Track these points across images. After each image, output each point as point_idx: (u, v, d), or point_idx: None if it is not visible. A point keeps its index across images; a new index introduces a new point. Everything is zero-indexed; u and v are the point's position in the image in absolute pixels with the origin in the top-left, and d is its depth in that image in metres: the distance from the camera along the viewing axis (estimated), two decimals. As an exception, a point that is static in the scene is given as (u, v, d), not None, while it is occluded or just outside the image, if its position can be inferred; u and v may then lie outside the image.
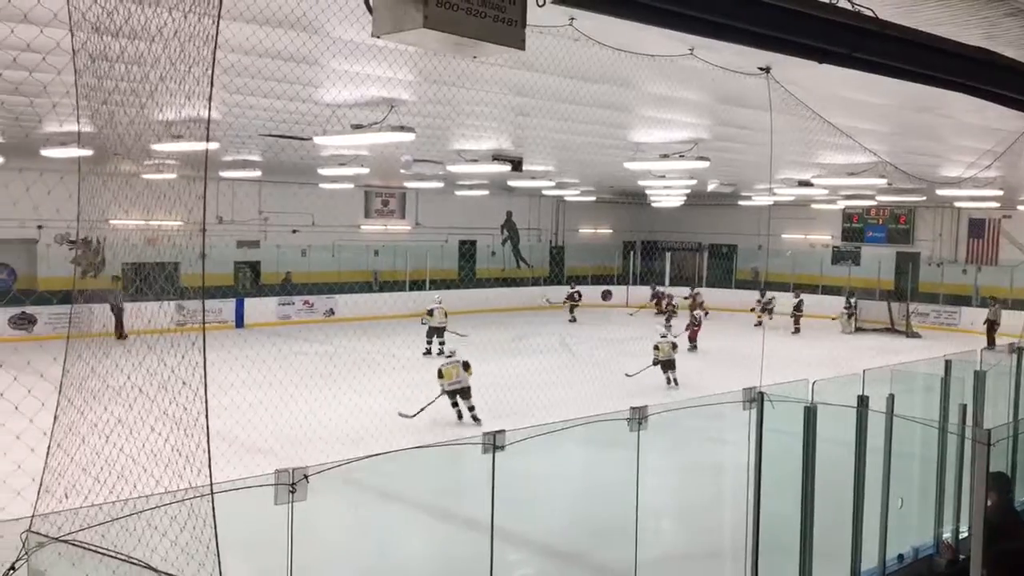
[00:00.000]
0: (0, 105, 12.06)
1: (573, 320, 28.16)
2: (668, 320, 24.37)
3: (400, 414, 13.73)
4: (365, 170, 20.37)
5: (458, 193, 29.41)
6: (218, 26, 3.33)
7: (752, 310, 27.54)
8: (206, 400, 3.23)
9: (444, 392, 14.22)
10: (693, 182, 21.76)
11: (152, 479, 3.84)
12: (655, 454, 7.54)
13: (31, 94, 10.73)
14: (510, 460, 6.05)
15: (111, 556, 3.58)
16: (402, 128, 11.30)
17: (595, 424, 6.37)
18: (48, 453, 4.13)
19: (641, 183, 23.66)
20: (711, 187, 24.42)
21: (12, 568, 4.18)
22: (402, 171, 19.81)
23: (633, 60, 8.04)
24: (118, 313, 20.27)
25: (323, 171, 21.47)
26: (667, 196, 26.88)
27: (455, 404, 14.31)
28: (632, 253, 35.54)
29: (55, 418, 4.12)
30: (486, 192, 29.46)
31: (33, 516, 4.12)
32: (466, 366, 14.22)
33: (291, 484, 5.16)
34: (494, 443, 6.49)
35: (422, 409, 13.84)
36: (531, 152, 18.01)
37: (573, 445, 8.45)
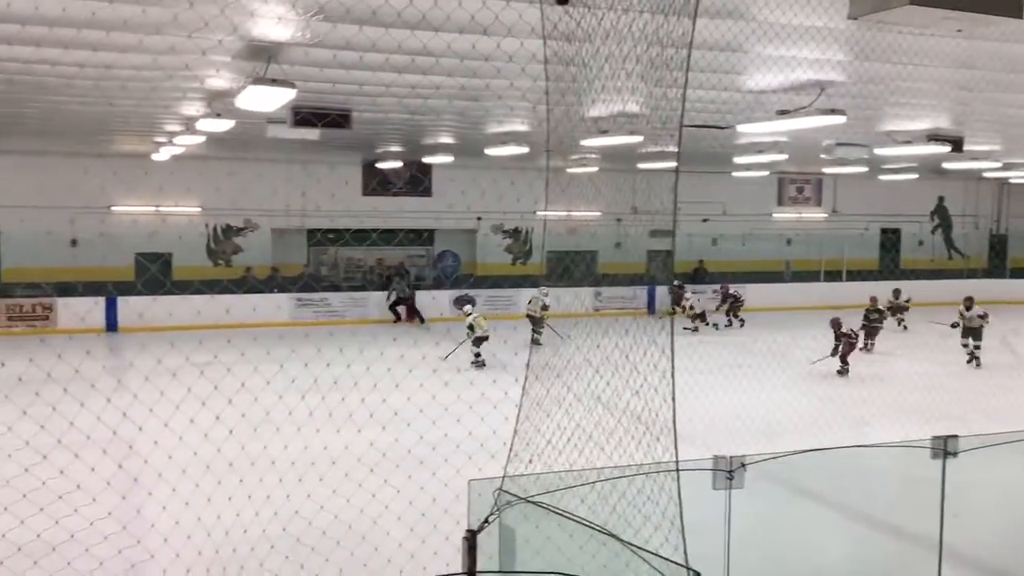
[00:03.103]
0: (460, 114, 13.60)
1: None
2: None
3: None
4: (783, 156, 19.82)
5: (882, 178, 27.38)
6: (694, 23, 3.43)
7: None
8: (673, 382, 3.36)
9: (476, 340, 16.41)
10: None
11: (603, 453, 4.12)
12: None
13: (484, 98, 12.01)
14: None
15: (575, 520, 3.89)
16: (832, 111, 10.80)
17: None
18: (517, 421, 4.60)
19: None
20: None
21: (486, 521, 4.73)
22: (822, 156, 18.91)
23: None
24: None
25: (738, 159, 21.27)
26: None
27: (479, 354, 16.37)
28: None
29: (523, 391, 4.58)
30: (914, 176, 27.08)
31: (504, 477, 4.62)
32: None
33: (729, 471, 5.21)
34: (944, 448, 5.97)
35: (452, 351, 16.09)
36: (973, 130, 16.18)
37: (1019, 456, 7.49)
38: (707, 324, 21.92)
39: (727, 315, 22.54)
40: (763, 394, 13.35)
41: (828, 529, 9.21)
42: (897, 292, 22.02)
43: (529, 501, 4.27)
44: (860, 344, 17.07)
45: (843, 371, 16.34)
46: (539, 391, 4.54)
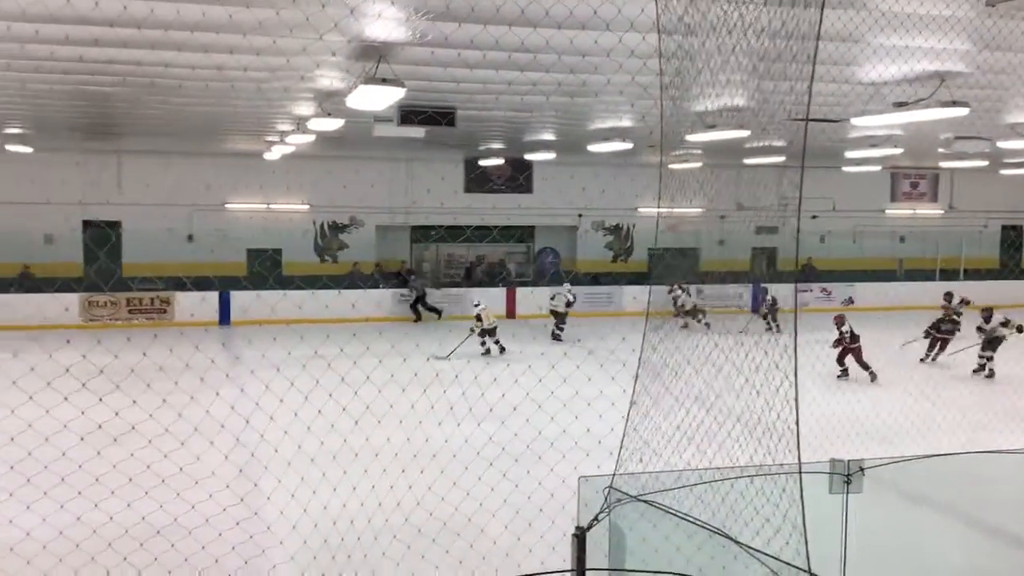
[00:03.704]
0: (565, 111, 13.57)
1: None
2: None
3: (435, 357, 15.28)
4: (897, 150, 19.09)
5: (1003, 172, 26.07)
6: (821, 16, 3.32)
7: None
8: (796, 382, 3.27)
9: (482, 331, 16.97)
10: None
11: (720, 452, 4.04)
12: None
13: (587, 93, 11.96)
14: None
15: (689, 521, 3.83)
16: (954, 103, 10.32)
17: None
18: (628, 418, 4.56)
19: None
20: None
21: (595, 519, 4.70)
22: (940, 150, 18.15)
23: None
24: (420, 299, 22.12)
25: (850, 154, 20.59)
26: None
27: (484, 343, 17.07)
28: None
29: (634, 389, 4.53)
30: (1039, 170, 25.69)
31: (614, 475, 4.59)
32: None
33: (847, 475, 5.04)
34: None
35: (454, 351, 16.11)
36: (1109, 120, 15.24)
37: None
38: (699, 321, 20.85)
39: (765, 319, 21.15)
40: (871, 395, 12.90)
41: (947, 537, 8.83)
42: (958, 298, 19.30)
43: (641, 500, 4.23)
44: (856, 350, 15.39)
45: (842, 374, 15.23)
46: (656, 389, 4.49)
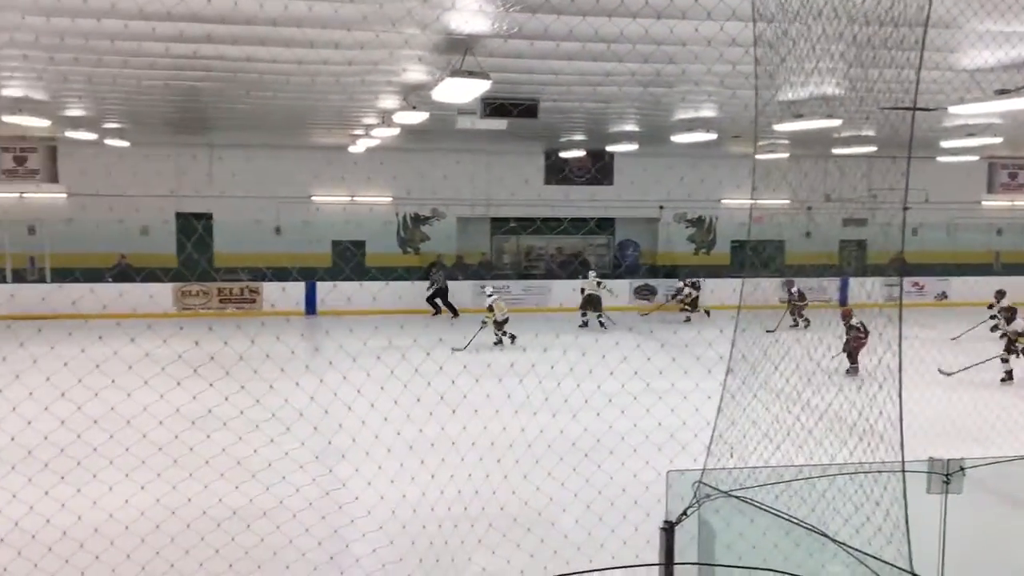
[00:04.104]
0: (648, 102, 13.44)
1: None
2: None
3: (453, 349, 15.43)
4: (996, 140, 18.35)
5: (1111, 161, 24.85)
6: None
7: None
8: (900, 379, 3.19)
9: (495, 323, 17.27)
10: None
11: (819, 448, 3.96)
12: None
13: (666, 84, 11.81)
14: None
15: (784, 518, 3.77)
16: (1060, 89, 9.88)
17: None
18: (718, 413, 4.50)
19: None
20: None
21: (684, 514, 4.66)
22: (1042, 139, 17.37)
23: None
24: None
25: (946, 143, 19.86)
26: None
27: (497, 332, 17.35)
28: None
29: (724, 383, 4.48)
30: None
31: (703, 470, 4.54)
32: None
33: (946, 474, 4.89)
34: None
35: (469, 342, 16.43)
36: None
37: None
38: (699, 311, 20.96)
39: (792, 315, 20.15)
40: (962, 393, 12.47)
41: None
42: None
43: (732, 495, 4.17)
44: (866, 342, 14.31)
45: (852, 370, 14.34)
46: (748, 383, 4.43)
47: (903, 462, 3.28)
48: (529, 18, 7.64)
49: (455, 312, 22.04)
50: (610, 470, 7.57)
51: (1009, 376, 14.87)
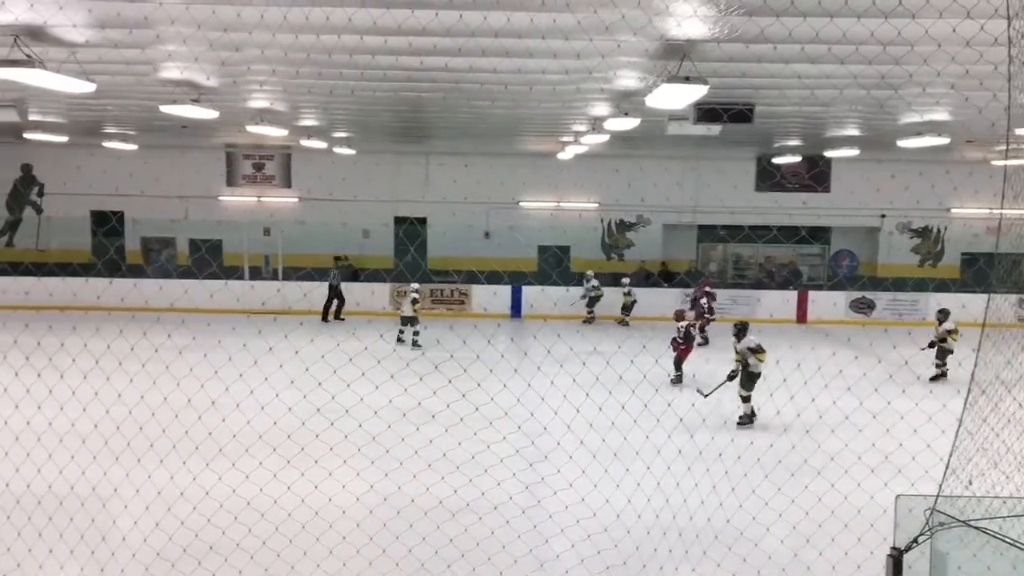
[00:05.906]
0: (873, 104, 12.74)
1: None
2: None
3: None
4: None
5: None
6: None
7: None
8: None
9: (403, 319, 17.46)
10: None
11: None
12: None
13: (890, 87, 11.11)
14: None
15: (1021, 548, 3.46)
16: None
17: None
18: (956, 436, 4.21)
19: None
20: None
21: (915, 541, 4.39)
22: None
23: None
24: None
25: None
26: None
27: (402, 332, 17.55)
28: None
29: (965, 405, 4.17)
30: None
31: (938, 496, 4.25)
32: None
33: None
34: None
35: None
36: None
37: None
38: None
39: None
40: None
41: None
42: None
43: (970, 525, 3.88)
44: None
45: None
46: (984, 405, 4.11)
47: None
48: (746, 20, 7.45)
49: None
50: (818, 491, 7.26)
51: None
